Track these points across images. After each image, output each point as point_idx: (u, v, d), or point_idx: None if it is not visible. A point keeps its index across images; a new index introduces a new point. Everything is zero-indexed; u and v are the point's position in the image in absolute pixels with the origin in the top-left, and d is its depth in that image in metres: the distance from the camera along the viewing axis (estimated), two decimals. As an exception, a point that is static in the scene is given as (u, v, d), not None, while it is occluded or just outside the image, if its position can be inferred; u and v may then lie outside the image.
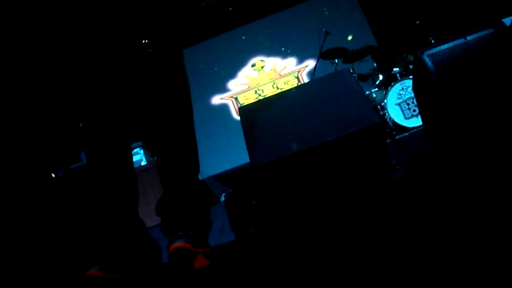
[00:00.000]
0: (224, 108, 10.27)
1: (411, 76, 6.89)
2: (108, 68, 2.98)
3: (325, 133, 2.84)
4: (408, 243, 2.37)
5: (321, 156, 2.84)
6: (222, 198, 6.59)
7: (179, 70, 3.20)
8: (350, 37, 10.01)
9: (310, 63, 9.97)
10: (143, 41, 2.93)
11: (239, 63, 10.37)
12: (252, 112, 3.21)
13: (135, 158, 6.77)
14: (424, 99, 3.46)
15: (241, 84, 10.28)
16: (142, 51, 2.93)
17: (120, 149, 3.10)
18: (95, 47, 2.96)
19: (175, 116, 3.06)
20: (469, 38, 3.07)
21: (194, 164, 3.16)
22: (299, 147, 2.82)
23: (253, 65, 10.33)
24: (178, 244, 2.83)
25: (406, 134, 6.49)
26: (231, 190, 6.65)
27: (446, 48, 3.05)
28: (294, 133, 2.92)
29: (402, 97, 6.95)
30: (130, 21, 2.95)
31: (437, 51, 3.04)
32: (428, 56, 3.03)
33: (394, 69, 7.44)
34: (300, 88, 3.39)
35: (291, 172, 2.87)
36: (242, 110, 3.26)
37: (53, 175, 5.84)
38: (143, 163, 6.72)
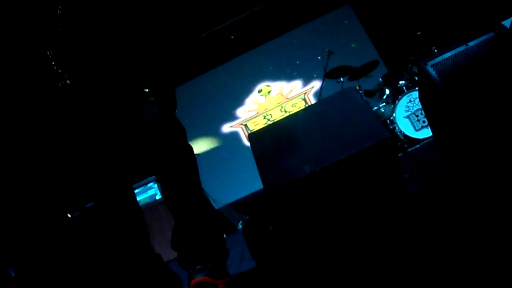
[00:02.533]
0: (234, 136, 10.30)
1: (417, 88, 6.89)
2: (111, 116, 3.02)
3: (336, 152, 2.83)
4: (428, 253, 2.35)
5: (334, 176, 2.83)
6: (240, 226, 6.57)
7: (174, 113, 3.25)
8: (353, 45, 10.07)
9: (316, 84, 10.01)
10: (145, 90, 2.97)
11: (246, 90, 10.42)
12: (261, 138, 3.21)
13: (150, 193, 6.79)
14: (431, 109, 3.45)
15: (249, 111, 10.32)
16: (143, 98, 2.97)
17: (121, 188, 3.14)
18: (97, 93, 3.00)
19: (177, 153, 3.09)
20: (470, 44, 3.06)
21: (200, 194, 3.17)
22: (312, 168, 2.81)
23: (259, 91, 10.37)
24: (199, 278, 2.84)
25: (417, 146, 6.48)
26: (247, 217, 6.63)
27: (448, 57, 3.05)
28: (305, 155, 2.92)
29: (410, 109, 6.95)
30: (131, 69, 3.00)
31: (440, 60, 3.04)
32: (431, 66, 3.03)
33: (400, 82, 7.45)
34: (308, 109, 3.39)
35: (306, 194, 2.86)
36: (252, 136, 3.26)
37: (69, 216, 5.86)
38: (158, 197, 6.73)
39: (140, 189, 7.00)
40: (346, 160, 2.80)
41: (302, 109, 3.30)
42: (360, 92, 7.45)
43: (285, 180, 2.84)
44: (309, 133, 3.04)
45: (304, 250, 2.97)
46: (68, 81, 3.02)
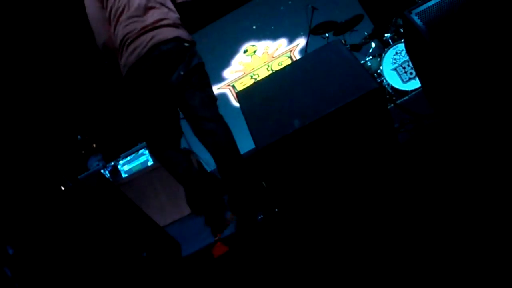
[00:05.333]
0: (223, 97, 10.27)
1: (403, 40, 6.87)
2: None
3: (325, 105, 2.82)
4: (419, 201, 2.38)
5: (324, 129, 2.83)
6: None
7: None
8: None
9: (301, 41, 9.96)
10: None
11: (231, 51, 10.37)
12: (250, 96, 3.20)
13: (142, 159, 6.80)
14: (418, 59, 3.45)
15: (236, 72, 10.29)
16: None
17: None
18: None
19: None
20: (454, -9, 3.05)
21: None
22: (301, 123, 2.81)
23: (245, 51, 10.31)
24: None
25: (406, 97, 6.49)
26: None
27: (433, 5, 3.02)
28: (294, 110, 2.91)
29: (397, 61, 6.93)
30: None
31: (425, 9, 3.02)
32: (416, 14, 3.02)
33: (386, 35, 7.42)
34: (294, 64, 3.37)
35: (297, 149, 2.87)
36: (240, 95, 3.25)
37: (63, 188, 5.87)
38: (150, 163, 6.73)
39: (132, 156, 7.01)
40: (335, 112, 2.79)
41: (288, 65, 3.28)
42: (346, 46, 7.41)
43: (275, 136, 2.84)
44: (297, 87, 3.04)
45: (297, 206, 2.99)
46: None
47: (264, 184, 3.37)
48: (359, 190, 2.84)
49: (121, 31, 3.16)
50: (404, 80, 6.84)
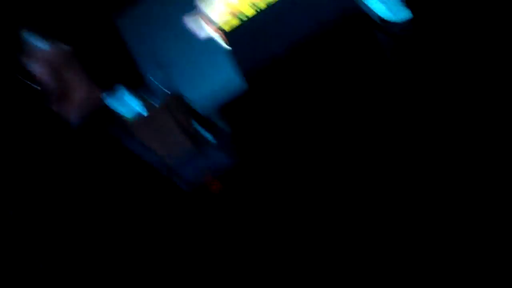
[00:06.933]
0: (212, 41, 10.17)
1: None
2: None
3: (311, 32, 2.81)
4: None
5: (313, 56, 2.82)
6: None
7: None
8: None
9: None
10: None
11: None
12: (238, 36, 3.19)
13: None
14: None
15: (222, 14, 10.16)
16: None
17: None
18: None
19: None
20: None
21: None
22: (289, 51, 2.81)
23: (230, -8, 10.18)
24: None
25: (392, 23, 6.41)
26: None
27: None
28: (282, 42, 2.90)
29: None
30: None
31: None
32: None
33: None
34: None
35: (288, 79, 2.86)
36: (228, 35, 3.24)
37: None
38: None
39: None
40: (321, 37, 2.78)
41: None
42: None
43: (264, 67, 2.83)
44: (281, 21, 3.02)
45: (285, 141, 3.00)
46: None
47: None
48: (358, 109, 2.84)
49: None
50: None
